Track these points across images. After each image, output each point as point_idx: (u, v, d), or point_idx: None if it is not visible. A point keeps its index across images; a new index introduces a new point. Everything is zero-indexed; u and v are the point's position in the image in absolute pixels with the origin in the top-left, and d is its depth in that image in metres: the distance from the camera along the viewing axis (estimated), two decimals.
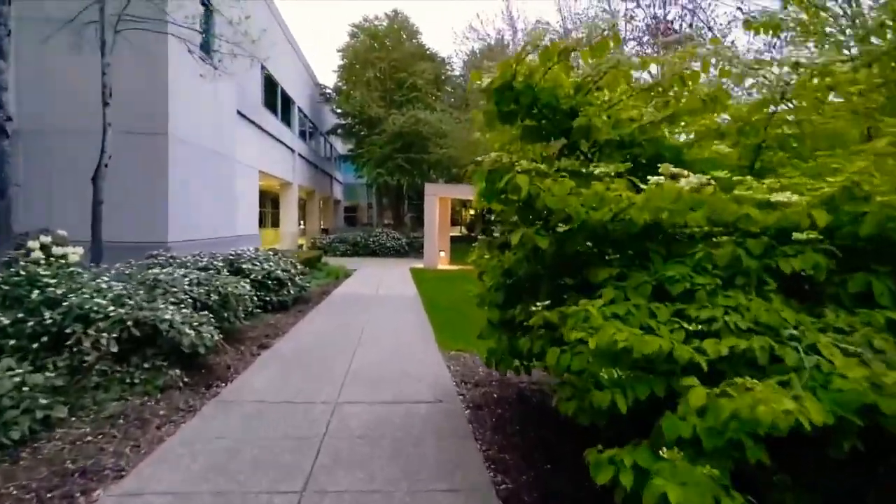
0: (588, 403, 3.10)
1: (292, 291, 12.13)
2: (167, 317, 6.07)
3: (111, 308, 6.20)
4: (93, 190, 11.33)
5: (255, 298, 10.73)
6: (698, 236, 3.77)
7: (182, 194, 15.23)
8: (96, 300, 6.32)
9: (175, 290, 7.52)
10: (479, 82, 4.50)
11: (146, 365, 5.85)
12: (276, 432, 4.98)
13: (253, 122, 23.81)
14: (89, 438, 4.73)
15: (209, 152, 17.89)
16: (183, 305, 7.17)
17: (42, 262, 8.78)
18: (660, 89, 4.48)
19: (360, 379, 6.62)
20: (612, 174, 3.78)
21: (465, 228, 50.49)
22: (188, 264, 10.76)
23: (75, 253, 10.67)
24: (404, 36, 37.27)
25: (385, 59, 35.53)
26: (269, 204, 39.63)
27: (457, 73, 42.58)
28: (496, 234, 5.38)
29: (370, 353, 7.91)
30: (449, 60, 41.95)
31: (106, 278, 7.38)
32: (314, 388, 6.17)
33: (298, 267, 13.41)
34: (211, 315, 7.30)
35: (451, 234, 31.18)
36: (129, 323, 5.98)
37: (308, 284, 13.57)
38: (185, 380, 6.11)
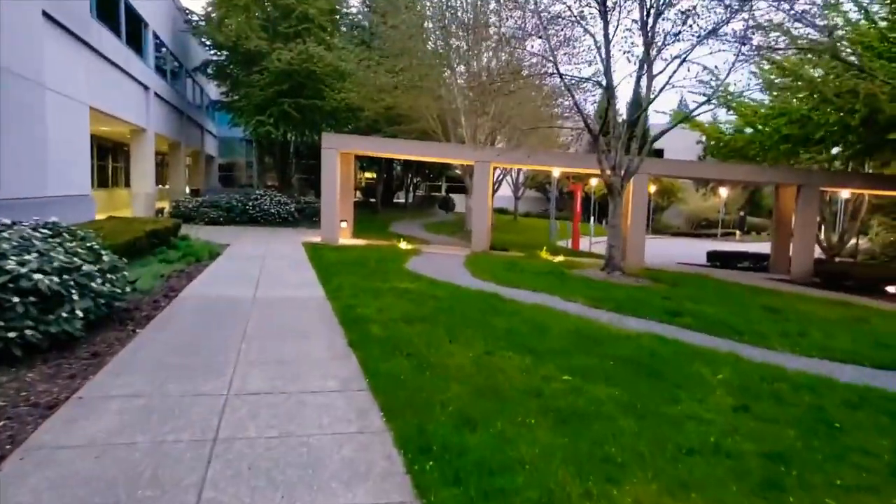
0: None
1: (79, 311, 6.07)
2: None
3: None
4: None
5: None
6: None
7: None
8: None
9: None
10: None
11: None
12: None
13: (77, 37, 16.60)
14: None
15: None
16: None
17: None
18: None
19: None
20: None
21: (363, 194, 44.45)
22: None
23: None
24: None
25: None
26: (122, 157, 31.94)
27: (354, 10, 36.16)
28: None
29: None
30: None
31: None
32: None
33: (106, 257, 7.29)
34: None
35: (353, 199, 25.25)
36: None
37: (126, 290, 7.47)
38: None
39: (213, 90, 37.99)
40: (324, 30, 29.18)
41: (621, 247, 15.72)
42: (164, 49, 28.28)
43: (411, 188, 48.81)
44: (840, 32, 16.66)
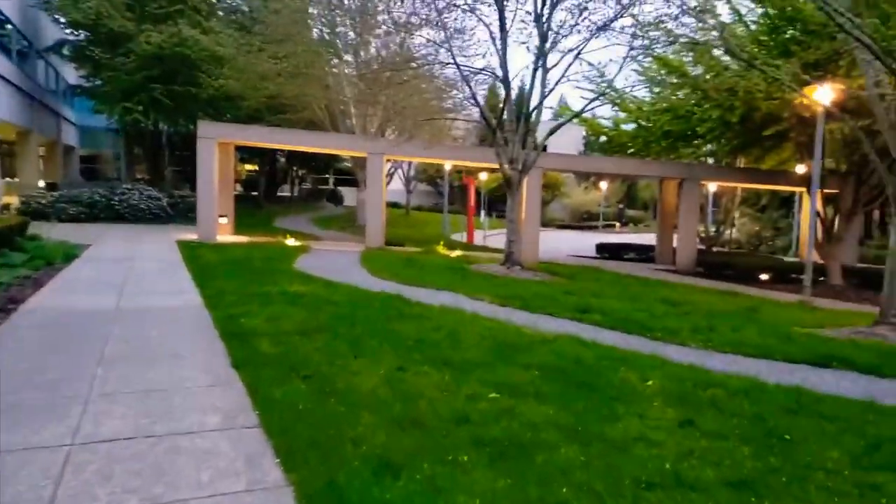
0: None
1: None
2: None
3: None
4: None
5: None
6: None
7: None
8: None
9: None
10: None
11: None
12: None
13: None
14: None
15: None
16: None
17: None
18: None
19: None
20: None
21: (244, 187, 42.05)
22: None
23: None
24: None
25: None
26: None
27: None
28: None
29: None
30: None
31: None
32: None
33: None
34: None
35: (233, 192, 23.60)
36: None
37: None
38: None
39: (72, 74, 34.31)
40: (199, 12, 26.95)
41: (520, 241, 15.42)
42: (9, 26, 25.02)
43: (297, 181, 46.87)
44: (714, 34, 17.22)
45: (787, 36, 15.23)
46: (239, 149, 32.03)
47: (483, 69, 15.28)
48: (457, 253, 18.94)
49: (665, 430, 4.28)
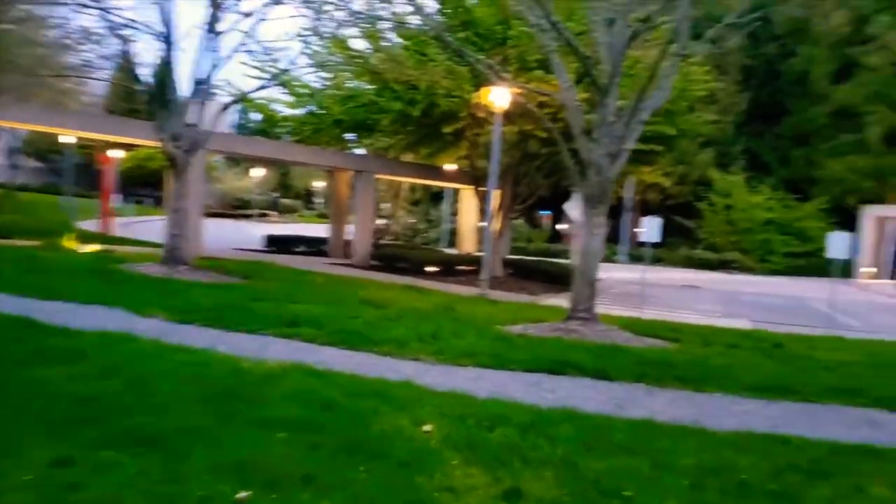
0: None
1: None
2: None
3: None
4: None
5: None
6: None
7: None
8: None
9: None
10: None
11: None
12: None
13: None
14: None
15: None
16: None
17: None
18: None
19: None
20: None
21: None
22: None
23: None
24: None
25: None
26: None
27: None
28: None
29: None
30: None
31: None
32: None
33: None
34: None
35: None
36: None
37: None
38: None
39: None
40: None
41: (187, 235, 12.91)
42: None
43: None
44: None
45: (463, 37, 15.66)
46: None
47: (135, 21, 12.30)
48: (95, 247, 15.30)
49: None
